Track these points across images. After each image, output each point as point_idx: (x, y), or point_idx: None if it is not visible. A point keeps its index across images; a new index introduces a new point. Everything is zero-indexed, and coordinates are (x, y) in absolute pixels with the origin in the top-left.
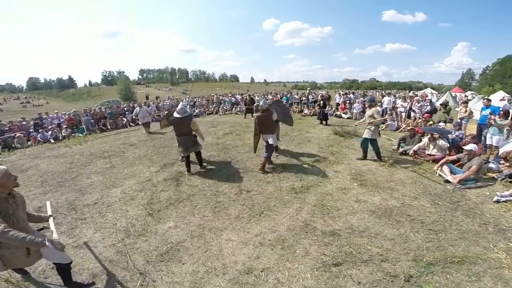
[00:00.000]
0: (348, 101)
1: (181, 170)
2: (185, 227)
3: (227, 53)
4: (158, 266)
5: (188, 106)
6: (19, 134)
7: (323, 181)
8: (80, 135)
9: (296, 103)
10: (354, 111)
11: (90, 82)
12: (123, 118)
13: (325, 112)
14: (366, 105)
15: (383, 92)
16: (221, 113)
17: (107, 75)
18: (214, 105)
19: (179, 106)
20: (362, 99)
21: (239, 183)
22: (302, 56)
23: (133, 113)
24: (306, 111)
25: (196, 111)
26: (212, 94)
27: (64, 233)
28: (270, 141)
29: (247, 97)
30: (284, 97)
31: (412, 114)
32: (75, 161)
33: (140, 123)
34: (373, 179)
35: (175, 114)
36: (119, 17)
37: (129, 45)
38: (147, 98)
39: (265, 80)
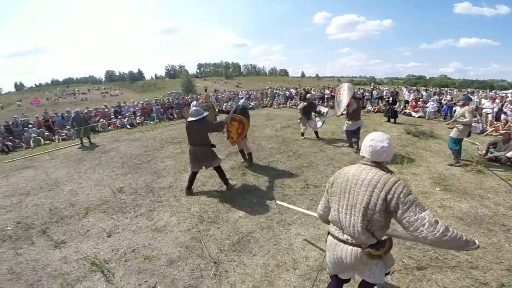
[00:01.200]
0: (420, 99)
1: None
2: (254, 217)
3: (276, 47)
4: (230, 256)
5: (243, 100)
6: (102, 120)
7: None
8: (152, 122)
9: (357, 99)
10: (428, 110)
11: (155, 75)
12: (189, 108)
13: (395, 109)
14: (459, 103)
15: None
16: (275, 107)
17: (170, 69)
18: (268, 98)
19: (193, 108)
20: (437, 97)
21: (305, 177)
22: (358, 50)
23: (190, 106)
24: (369, 107)
25: (252, 104)
26: (266, 88)
27: (143, 215)
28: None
29: (303, 91)
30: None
31: (503, 116)
32: (149, 145)
33: None
34: (458, 185)
35: (189, 118)
36: (177, 14)
37: (187, 41)
38: (205, 90)
39: (317, 75)
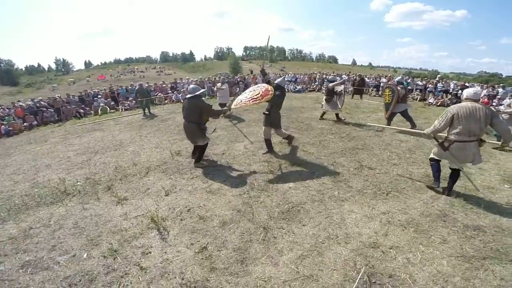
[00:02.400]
0: (497, 96)
1: (293, 136)
2: (305, 190)
3: (325, 33)
4: (279, 223)
5: (286, 82)
6: (160, 94)
7: (463, 176)
8: (203, 98)
9: (418, 90)
10: (502, 108)
11: (205, 56)
12: (236, 88)
13: None
14: (509, 95)
15: None
16: (323, 91)
17: (218, 51)
18: (316, 83)
19: (191, 86)
20: None
21: (359, 159)
22: (421, 41)
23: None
24: (431, 100)
25: (298, 87)
26: (315, 72)
27: (199, 177)
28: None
29: (357, 77)
30: (405, 82)
31: None
32: None
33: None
34: None
35: (187, 95)
36: None
37: (235, 24)
38: (251, 72)
39: (370, 64)
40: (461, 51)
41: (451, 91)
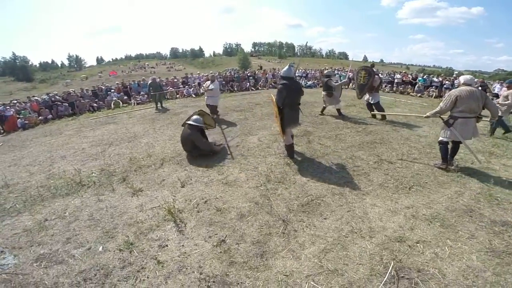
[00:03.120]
0: None
1: (308, 129)
2: (324, 183)
3: (335, 29)
4: (299, 216)
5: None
6: (171, 89)
7: (487, 172)
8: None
9: (434, 87)
10: (500, 100)
11: (214, 52)
12: (247, 82)
13: None
14: (505, 86)
15: None
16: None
17: (227, 47)
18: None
19: (195, 117)
20: None
21: (378, 153)
22: (436, 38)
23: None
24: None
25: (309, 82)
26: (327, 68)
27: (214, 169)
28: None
29: (505, 83)
30: (420, 79)
31: None
32: None
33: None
34: None
35: (188, 121)
36: None
37: (243, 20)
38: (260, 68)
39: (381, 60)
40: (477, 49)
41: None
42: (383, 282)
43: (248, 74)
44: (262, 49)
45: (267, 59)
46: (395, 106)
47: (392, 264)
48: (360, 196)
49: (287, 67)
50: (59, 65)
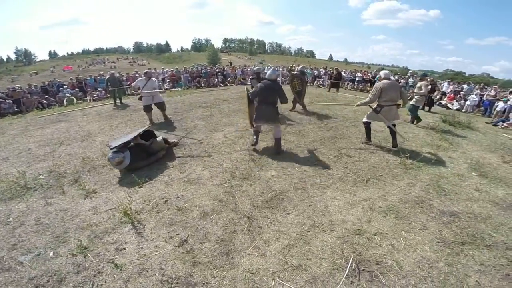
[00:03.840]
0: (461, 92)
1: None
2: (287, 178)
3: (305, 28)
4: (263, 212)
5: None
6: (132, 84)
7: (435, 164)
8: (179, 89)
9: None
10: (468, 103)
11: (182, 48)
12: (215, 78)
13: (432, 97)
14: (418, 79)
15: None
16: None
17: (196, 42)
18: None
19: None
20: (479, 91)
21: (338, 147)
22: (395, 39)
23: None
24: None
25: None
26: (294, 65)
27: (175, 167)
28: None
29: (334, 71)
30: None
31: None
32: (178, 108)
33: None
34: (494, 173)
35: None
36: None
37: (214, 16)
38: (230, 64)
39: (345, 59)
40: (430, 50)
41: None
42: (344, 276)
43: (217, 70)
44: (233, 45)
45: (238, 55)
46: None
47: (352, 257)
48: (321, 189)
49: (271, 70)
50: (5, 60)
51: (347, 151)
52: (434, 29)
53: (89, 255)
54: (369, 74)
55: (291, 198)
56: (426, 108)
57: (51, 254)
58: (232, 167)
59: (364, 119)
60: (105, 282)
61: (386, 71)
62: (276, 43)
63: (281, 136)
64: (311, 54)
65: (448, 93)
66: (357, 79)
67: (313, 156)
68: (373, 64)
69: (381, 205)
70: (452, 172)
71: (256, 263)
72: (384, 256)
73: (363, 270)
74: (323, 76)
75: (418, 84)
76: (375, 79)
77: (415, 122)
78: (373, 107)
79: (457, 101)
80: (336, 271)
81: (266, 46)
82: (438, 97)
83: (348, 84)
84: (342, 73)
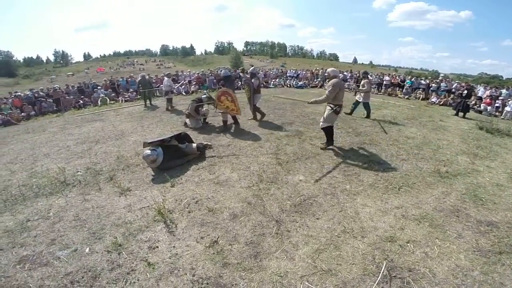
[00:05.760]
0: (499, 96)
1: (300, 129)
2: (316, 183)
3: (327, 30)
4: (292, 216)
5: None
6: (161, 86)
7: (472, 173)
8: (205, 91)
9: (421, 89)
10: (507, 109)
11: (205, 50)
12: (238, 82)
13: (467, 103)
14: (361, 76)
15: None
16: (325, 88)
17: (219, 45)
18: (319, 79)
19: None
20: None
21: (368, 154)
22: (424, 41)
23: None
24: (434, 99)
25: (300, 83)
26: (317, 68)
27: (205, 168)
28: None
29: (361, 74)
30: (408, 81)
31: None
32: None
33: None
34: None
35: None
36: None
37: (235, 19)
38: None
39: (370, 62)
40: (462, 52)
41: (454, 90)
42: (376, 282)
43: (240, 74)
44: (254, 48)
45: (259, 58)
46: (383, 108)
47: (384, 263)
48: (351, 196)
49: (224, 69)
50: (44, 61)
51: (377, 157)
52: (465, 31)
53: (123, 252)
54: (397, 78)
55: (320, 204)
56: (461, 114)
57: (87, 250)
58: (259, 170)
59: (324, 125)
60: (138, 280)
61: (334, 68)
62: (298, 46)
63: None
64: (334, 57)
65: (484, 98)
66: (384, 82)
67: (342, 161)
68: (400, 67)
69: (414, 213)
70: (490, 182)
71: (285, 266)
72: (417, 263)
73: (394, 276)
74: (348, 80)
75: (362, 82)
76: (405, 83)
77: (369, 116)
78: (333, 108)
79: (496, 107)
80: (367, 276)
81: (287, 49)
82: (473, 102)
83: (375, 87)
84: (369, 76)
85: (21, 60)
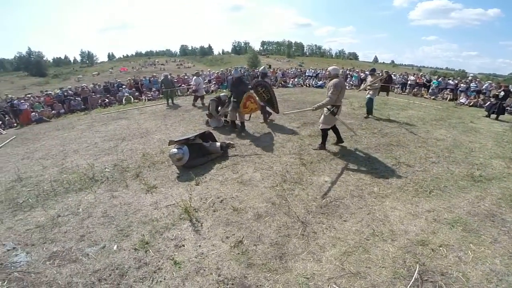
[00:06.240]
0: None
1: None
2: (342, 184)
3: (345, 29)
4: (318, 218)
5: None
6: (183, 86)
7: (508, 177)
8: (224, 90)
9: (449, 89)
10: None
11: (222, 50)
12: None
13: (504, 105)
14: (369, 73)
15: None
16: (347, 87)
17: (236, 45)
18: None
19: None
20: None
21: (395, 156)
22: (449, 40)
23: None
24: (463, 99)
25: (320, 82)
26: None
27: (228, 167)
28: None
29: (384, 73)
30: (435, 81)
31: None
32: None
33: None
34: None
35: None
36: None
37: (251, 19)
38: (269, 67)
39: (392, 61)
40: (491, 51)
41: (484, 91)
42: (408, 286)
43: (258, 73)
44: (271, 48)
45: (276, 58)
46: (409, 108)
47: (417, 267)
48: (379, 198)
49: (235, 70)
50: (72, 61)
51: (406, 159)
52: (494, 29)
53: (150, 250)
54: (423, 78)
55: (348, 206)
56: (493, 115)
57: (115, 247)
58: (282, 170)
59: (322, 126)
60: (164, 279)
61: (335, 67)
62: (316, 45)
63: None
64: (354, 56)
65: None
66: (409, 82)
67: (369, 163)
68: (424, 67)
69: (446, 217)
70: None
71: (311, 268)
72: (450, 267)
73: (426, 280)
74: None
75: (370, 78)
76: (432, 83)
77: (368, 115)
78: (331, 110)
79: None
80: (397, 280)
81: (305, 48)
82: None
83: (398, 87)
84: (393, 76)
85: (51, 60)
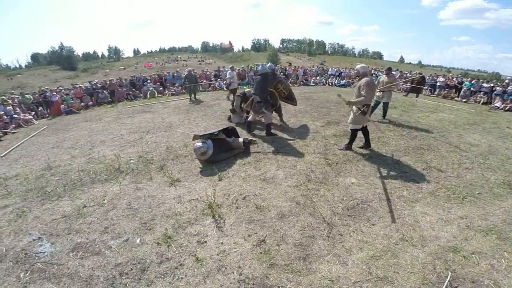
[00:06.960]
0: None
1: (348, 129)
2: (370, 187)
3: (370, 28)
4: (345, 220)
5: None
6: (205, 81)
7: None
8: (245, 87)
9: (483, 92)
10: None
11: (242, 47)
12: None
13: None
14: (385, 73)
15: None
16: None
17: (255, 42)
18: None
19: None
20: None
21: (426, 160)
22: (482, 41)
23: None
24: (498, 103)
25: (342, 81)
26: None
27: (250, 163)
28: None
29: (417, 74)
30: (467, 83)
31: None
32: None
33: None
34: None
35: None
36: None
37: (270, 16)
38: (290, 65)
39: (419, 62)
40: None
41: None
42: None
43: (280, 71)
44: (291, 45)
45: (296, 55)
46: (439, 111)
47: (449, 274)
48: (409, 203)
49: (260, 66)
50: (100, 56)
51: (437, 164)
52: None
53: (172, 245)
54: (454, 80)
55: (376, 209)
56: None
57: (138, 241)
58: (306, 169)
59: (352, 126)
60: (186, 275)
61: (364, 65)
62: (338, 43)
63: None
64: (378, 56)
65: None
66: (438, 83)
67: (398, 166)
68: (453, 68)
69: (480, 225)
70: None
71: (336, 271)
72: (481, 275)
73: (456, 287)
74: (397, 79)
75: (382, 79)
76: (463, 85)
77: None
78: (361, 109)
79: None
80: (426, 286)
81: (327, 46)
82: None
83: (427, 89)
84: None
85: (80, 55)
